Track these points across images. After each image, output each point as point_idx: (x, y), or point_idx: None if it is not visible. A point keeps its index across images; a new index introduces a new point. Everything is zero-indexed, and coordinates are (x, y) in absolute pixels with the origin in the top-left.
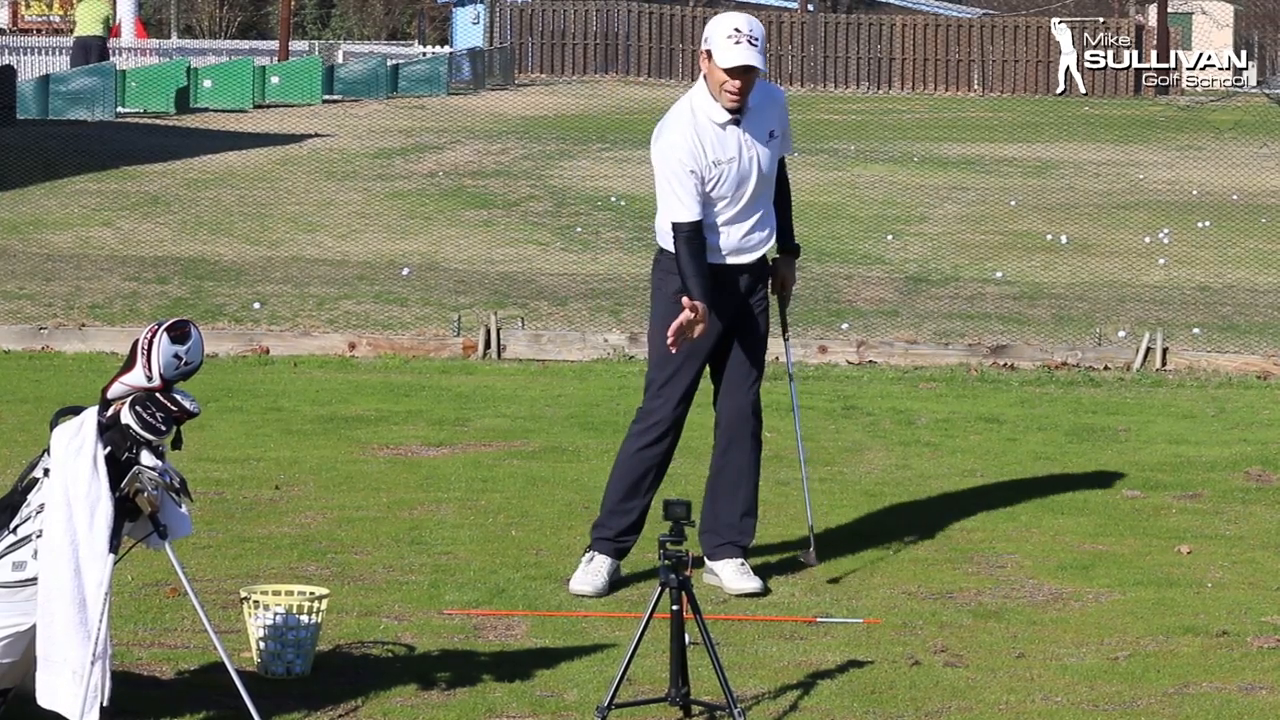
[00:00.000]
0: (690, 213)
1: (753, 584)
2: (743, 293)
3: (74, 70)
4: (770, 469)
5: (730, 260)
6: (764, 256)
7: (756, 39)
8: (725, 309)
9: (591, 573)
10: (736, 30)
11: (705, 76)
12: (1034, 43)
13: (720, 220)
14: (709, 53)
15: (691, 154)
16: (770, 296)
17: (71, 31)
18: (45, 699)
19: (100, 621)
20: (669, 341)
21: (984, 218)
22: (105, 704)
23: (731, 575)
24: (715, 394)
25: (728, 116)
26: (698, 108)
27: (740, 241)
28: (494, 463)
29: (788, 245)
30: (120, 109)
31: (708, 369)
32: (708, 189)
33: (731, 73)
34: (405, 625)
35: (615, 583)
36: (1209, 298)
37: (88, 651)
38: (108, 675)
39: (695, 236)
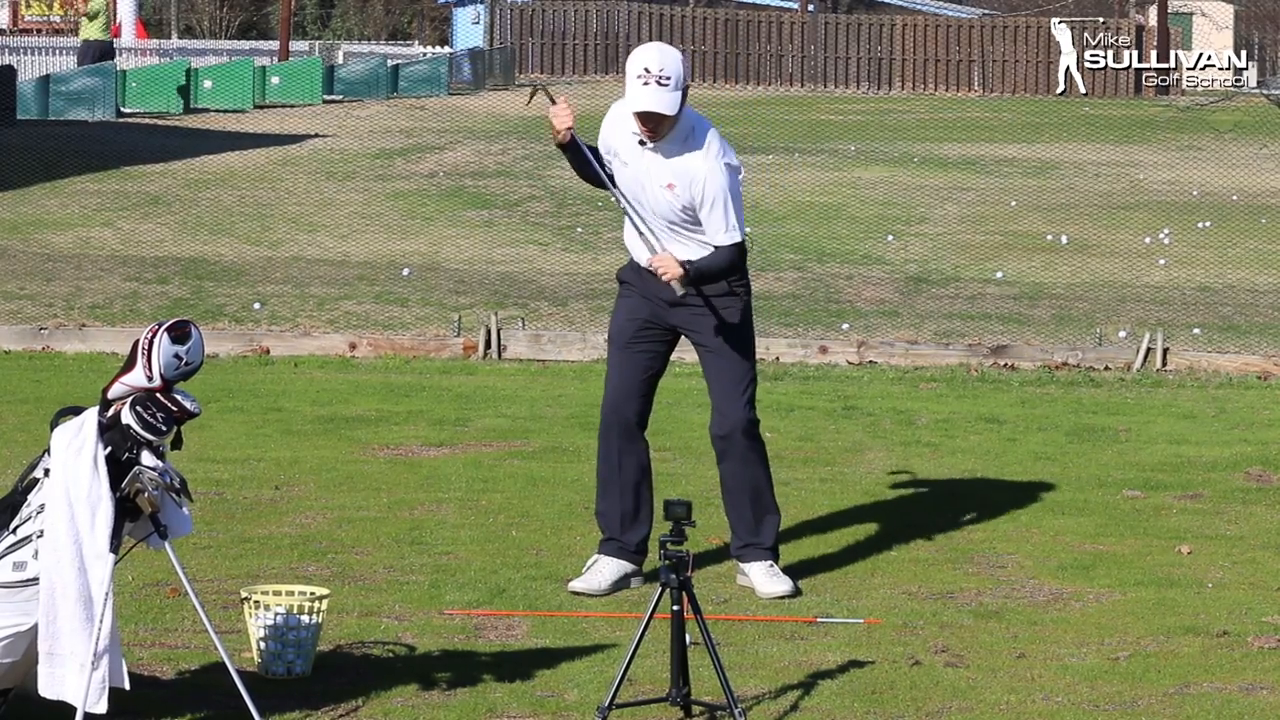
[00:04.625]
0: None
1: (782, 587)
2: (678, 298)
3: (74, 70)
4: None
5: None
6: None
7: (667, 78)
8: (654, 304)
9: (594, 573)
10: (646, 70)
11: None
12: (1034, 43)
13: (629, 229)
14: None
15: (606, 129)
16: (739, 313)
17: (74, 32)
18: (51, 690)
19: (102, 621)
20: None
21: (984, 218)
22: (126, 687)
23: (761, 578)
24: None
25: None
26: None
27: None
28: (494, 463)
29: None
30: (121, 109)
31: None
32: (608, 169)
33: (638, 116)
34: (405, 625)
35: (619, 583)
36: (1209, 298)
37: (93, 645)
38: (121, 661)
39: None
